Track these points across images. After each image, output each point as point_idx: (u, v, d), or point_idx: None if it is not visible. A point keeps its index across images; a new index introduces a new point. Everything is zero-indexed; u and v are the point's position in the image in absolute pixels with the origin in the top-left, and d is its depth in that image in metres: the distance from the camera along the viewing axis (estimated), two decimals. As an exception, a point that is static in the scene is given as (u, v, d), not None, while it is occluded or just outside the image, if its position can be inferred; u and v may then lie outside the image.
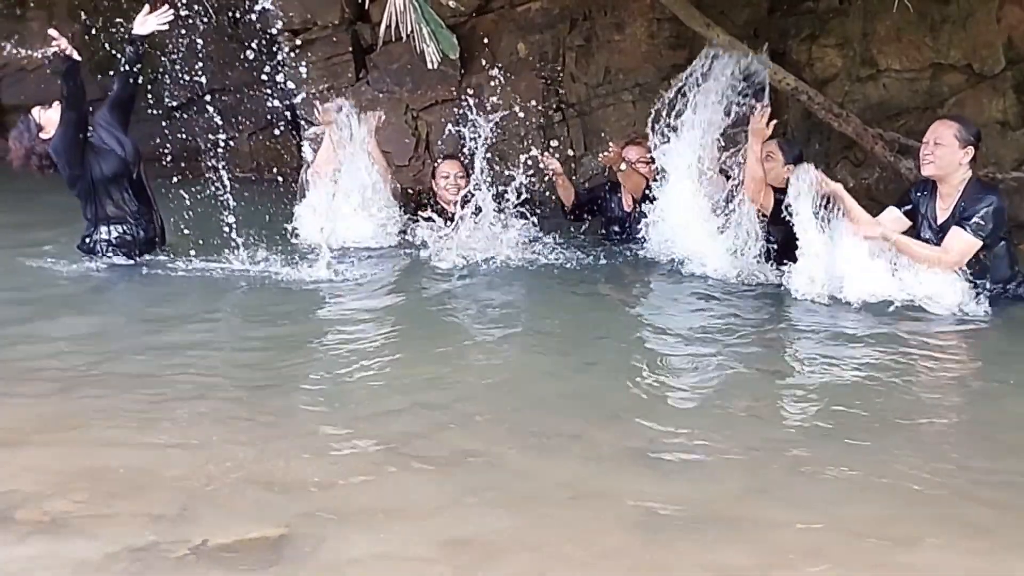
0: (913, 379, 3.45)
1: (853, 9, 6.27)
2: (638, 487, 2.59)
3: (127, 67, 5.10)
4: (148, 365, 3.58)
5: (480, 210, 5.37)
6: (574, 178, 6.57)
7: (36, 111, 5.06)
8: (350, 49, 7.38)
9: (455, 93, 7.04)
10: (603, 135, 6.74)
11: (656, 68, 6.61)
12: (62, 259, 4.98)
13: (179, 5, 5.16)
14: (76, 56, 4.67)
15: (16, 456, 2.77)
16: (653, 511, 2.44)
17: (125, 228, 5.06)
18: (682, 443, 2.87)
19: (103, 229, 5.05)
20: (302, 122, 7.59)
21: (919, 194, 4.43)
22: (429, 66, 5.27)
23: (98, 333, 3.95)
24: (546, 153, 5.65)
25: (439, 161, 6.23)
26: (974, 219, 4.15)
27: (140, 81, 5.22)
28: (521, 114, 6.29)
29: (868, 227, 4.23)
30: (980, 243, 4.15)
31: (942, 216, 4.31)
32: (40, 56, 4.84)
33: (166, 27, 5.12)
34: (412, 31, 5.08)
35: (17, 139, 5.04)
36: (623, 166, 5.34)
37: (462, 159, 5.90)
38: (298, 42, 7.39)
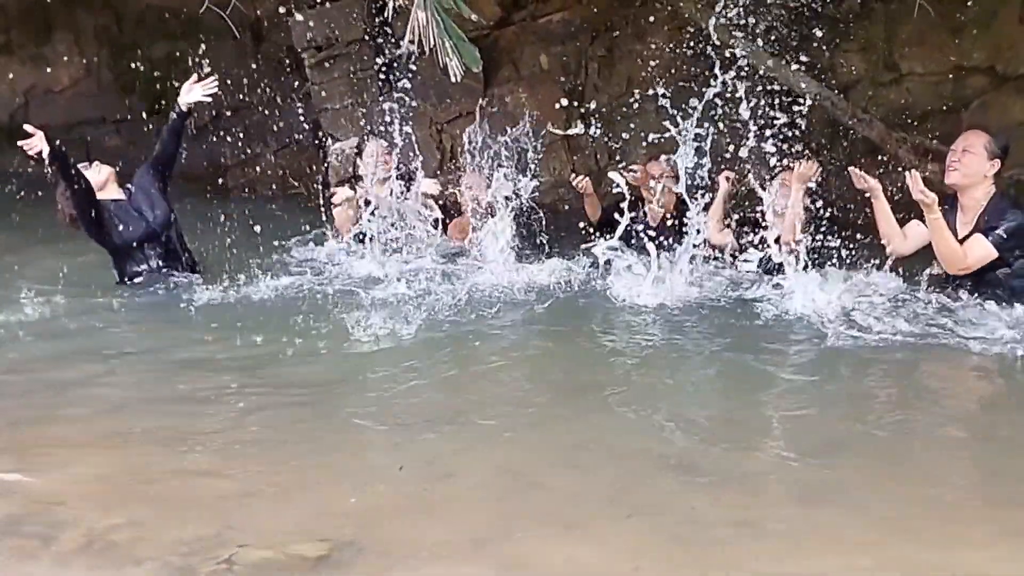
0: (940, 393, 3.46)
1: (875, 14, 6.28)
2: (679, 500, 2.60)
3: (170, 132, 5.15)
4: (184, 387, 3.60)
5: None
6: (600, 187, 6.59)
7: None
8: (373, 64, 7.44)
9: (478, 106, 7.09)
10: (627, 145, 6.77)
11: (677, 76, 6.63)
12: (99, 285, 5.01)
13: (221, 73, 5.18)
14: (46, 155, 4.66)
15: (56, 480, 2.80)
16: (698, 523, 2.46)
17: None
18: (717, 456, 2.88)
19: (127, 283, 5.13)
20: (327, 138, 7.67)
21: (940, 208, 4.35)
22: (452, 80, 5.31)
23: (135, 358, 3.97)
24: (577, 174, 5.70)
25: (463, 174, 6.31)
26: (997, 231, 4.13)
27: (182, 146, 5.24)
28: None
29: (925, 194, 4.07)
30: (996, 254, 4.12)
31: (963, 230, 4.25)
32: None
33: (209, 99, 5.15)
34: (435, 45, 5.11)
35: (58, 196, 5.09)
36: (651, 183, 5.36)
37: (484, 171, 5.98)
38: (322, 58, 7.46)
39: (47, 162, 4.71)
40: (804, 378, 3.49)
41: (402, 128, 5.97)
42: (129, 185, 5.18)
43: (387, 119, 6.16)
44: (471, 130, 5.80)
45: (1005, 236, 4.11)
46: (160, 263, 5.11)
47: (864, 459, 2.83)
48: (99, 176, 5.10)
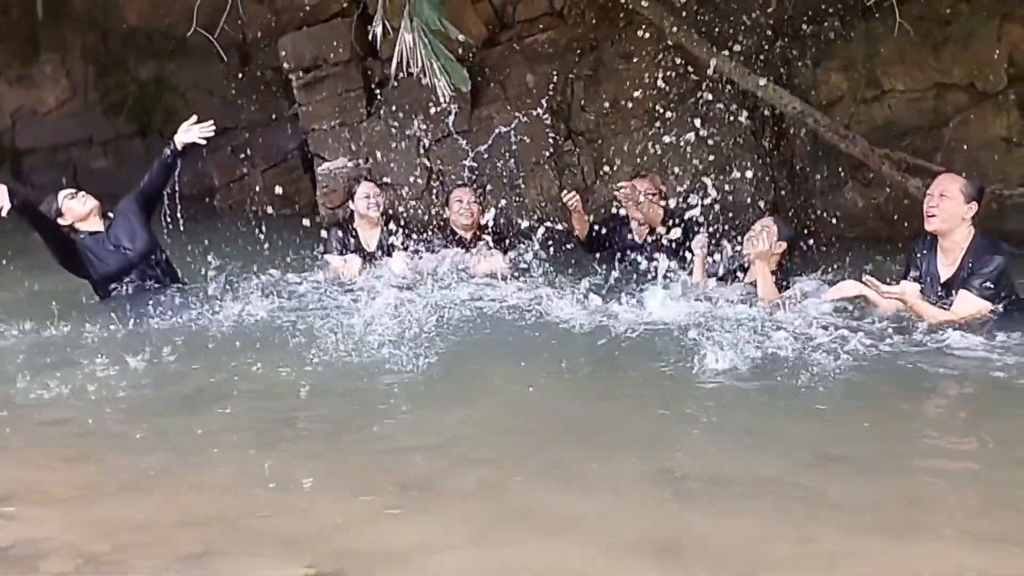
0: (931, 408, 3.48)
1: (856, 32, 6.36)
2: (662, 516, 2.60)
3: (161, 167, 5.14)
4: (168, 410, 3.57)
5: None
6: (588, 201, 6.64)
7: (62, 196, 5.11)
8: (361, 84, 7.48)
9: (466, 126, 7.14)
10: (615, 162, 6.83)
11: (663, 96, 6.69)
12: (81, 311, 4.97)
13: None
14: (5, 213, 4.62)
15: (41, 505, 2.78)
16: (678, 540, 2.45)
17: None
18: (703, 473, 2.88)
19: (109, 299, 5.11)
20: (315, 158, 7.70)
21: (919, 254, 4.37)
22: (441, 100, 5.34)
23: (118, 380, 3.92)
24: (566, 191, 5.72)
25: (452, 189, 6.35)
26: (984, 283, 4.12)
27: (170, 180, 5.21)
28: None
29: (888, 294, 4.15)
30: (989, 305, 4.12)
31: (946, 272, 4.24)
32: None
33: (204, 142, 5.15)
34: (423, 66, 5.14)
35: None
36: (640, 198, 5.39)
37: (474, 187, 6.03)
38: (309, 79, 7.50)
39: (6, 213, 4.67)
40: (793, 397, 3.49)
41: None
42: (110, 213, 5.16)
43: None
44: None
45: (992, 286, 4.11)
46: (138, 290, 5.09)
47: (859, 472, 2.84)
48: (83, 208, 5.07)
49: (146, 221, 5.18)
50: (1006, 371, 3.66)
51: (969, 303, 4.11)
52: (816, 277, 4.95)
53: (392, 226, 5.79)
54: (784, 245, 4.69)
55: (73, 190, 5.19)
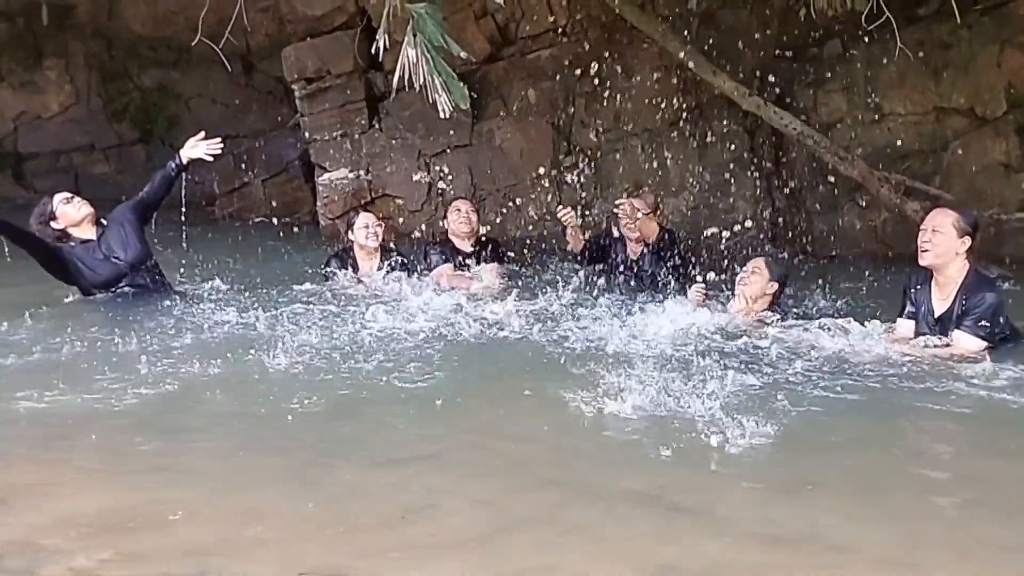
0: (923, 444, 3.47)
1: (857, 55, 6.39)
2: (652, 532, 2.61)
3: (163, 180, 5.17)
4: (165, 423, 3.55)
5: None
6: (587, 217, 6.66)
7: (57, 199, 5.09)
8: (363, 96, 7.51)
9: (467, 139, 7.16)
10: (615, 178, 6.85)
11: (664, 113, 6.73)
12: (83, 321, 4.96)
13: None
14: None
15: (41, 513, 2.78)
16: (667, 557, 2.46)
17: None
18: (694, 490, 2.88)
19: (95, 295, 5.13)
20: (317, 168, 7.72)
21: (914, 289, 4.36)
22: (441, 115, 5.35)
23: (119, 392, 3.92)
24: (563, 207, 5.74)
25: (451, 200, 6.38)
26: (980, 322, 4.10)
27: (171, 192, 5.27)
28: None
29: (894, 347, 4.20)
30: (986, 343, 4.11)
31: (940, 308, 4.24)
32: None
33: (211, 159, 5.20)
34: (425, 82, 5.16)
35: (33, 218, 5.05)
36: (639, 214, 5.40)
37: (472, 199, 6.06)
38: (312, 89, 7.52)
39: None
40: (784, 426, 3.49)
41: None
42: (104, 219, 5.14)
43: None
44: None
45: (988, 324, 4.09)
46: (130, 296, 5.10)
47: (850, 503, 2.82)
48: (77, 214, 5.04)
49: (140, 230, 5.14)
50: (1003, 404, 3.65)
51: (967, 344, 4.09)
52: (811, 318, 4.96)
53: (394, 257, 5.79)
54: (776, 286, 4.68)
55: (69, 194, 5.14)
